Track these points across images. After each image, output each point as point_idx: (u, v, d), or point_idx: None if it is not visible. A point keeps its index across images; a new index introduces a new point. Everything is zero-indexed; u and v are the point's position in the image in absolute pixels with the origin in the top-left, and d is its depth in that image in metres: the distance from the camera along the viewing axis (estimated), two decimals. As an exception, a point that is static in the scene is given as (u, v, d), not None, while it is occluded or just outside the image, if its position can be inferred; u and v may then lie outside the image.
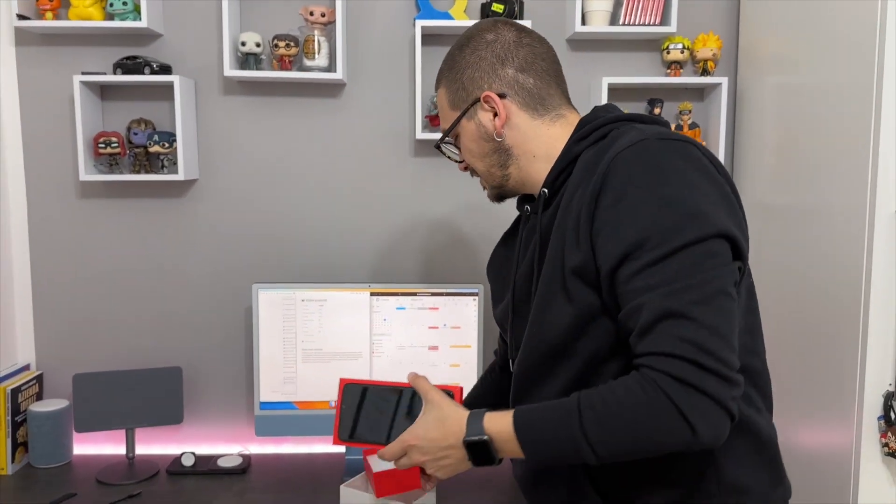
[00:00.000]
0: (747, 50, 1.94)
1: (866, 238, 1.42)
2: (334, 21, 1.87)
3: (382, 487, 1.60)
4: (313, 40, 1.87)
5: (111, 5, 1.83)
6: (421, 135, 1.91)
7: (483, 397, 1.37)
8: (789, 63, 1.72)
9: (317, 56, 1.88)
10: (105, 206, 1.98)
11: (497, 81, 1.07)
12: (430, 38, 1.94)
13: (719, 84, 1.93)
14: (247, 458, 1.95)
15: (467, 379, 1.87)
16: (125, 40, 1.92)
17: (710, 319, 0.83)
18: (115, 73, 1.86)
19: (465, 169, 1.17)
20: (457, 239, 2.04)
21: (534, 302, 1.02)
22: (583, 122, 1.07)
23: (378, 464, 1.65)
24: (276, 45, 1.86)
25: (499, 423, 0.96)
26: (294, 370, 1.88)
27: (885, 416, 1.43)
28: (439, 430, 1.02)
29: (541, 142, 1.07)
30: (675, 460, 0.93)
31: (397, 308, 1.89)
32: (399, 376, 1.97)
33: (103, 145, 1.86)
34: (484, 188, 1.17)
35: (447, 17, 1.92)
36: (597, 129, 1.03)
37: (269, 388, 1.89)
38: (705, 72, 1.95)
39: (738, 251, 0.90)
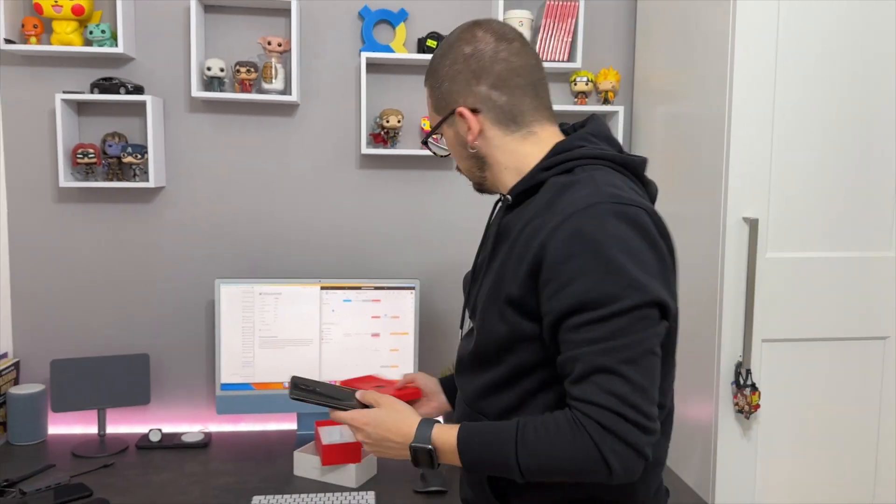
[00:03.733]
0: (641, 83, 2.31)
1: (720, 238, 1.78)
2: (289, 50, 2.15)
3: (328, 457, 1.88)
4: (271, 66, 2.15)
5: (91, 32, 2.07)
6: (365, 150, 2.20)
7: None
8: (672, 95, 2.09)
9: (274, 80, 2.15)
10: (81, 210, 2.20)
11: (471, 97, 1.12)
12: (373, 66, 2.24)
13: (617, 111, 2.28)
14: (208, 435, 2.19)
15: (405, 361, 2.17)
16: (101, 63, 2.16)
17: (636, 377, 0.94)
18: (92, 91, 2.09)
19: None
20: (396, 239, 2.33)
21: (480, 296, 1.14)
22: (555, 151, 1.11)
23: (327, 436, 1.93)
24: (238, 70, 2.13)
25: (444, 437, 1.07)
26: (252, 355, 2.14)
27: (736, 382, 1.78)
28: (391, 425, 1.13)
29: (511, 156, 1.13)
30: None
31: (344, 300, 2.16)
32: (347, 361, 2.27)
33: (81, 155, 2.09)
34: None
35: (388, 49, 2.22)
36: (564, 162, 1.09)
37: (230, 371, 2.14)
38: (606, 101, 2.30)
39: (666, 313, 1.00)
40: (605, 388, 0.94)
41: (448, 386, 1.42)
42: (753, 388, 1.75)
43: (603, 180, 1.03)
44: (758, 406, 1.76)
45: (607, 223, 0.97)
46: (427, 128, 2.21)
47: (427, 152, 2.21)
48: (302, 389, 1.23)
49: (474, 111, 1.12)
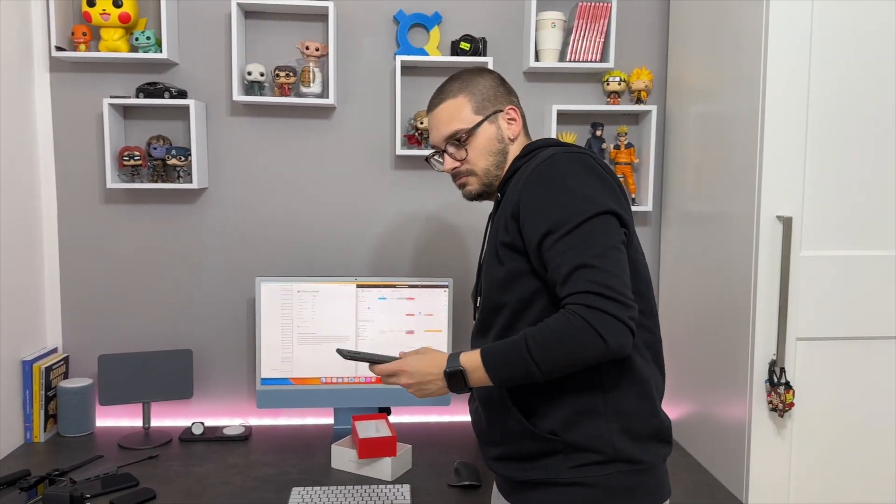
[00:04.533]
0: (674, 82, 2.31)
1: (754, 237, 1.79)
2: (327, 54, 2.21)
3: (365, 451, 1.93)
4: (309, 70, 2.20)
5: (136, 39, 2.15)
6: (400, 151, 2.24)
7: None
8: (705, 94, 2.09)
9: (312, 84, 2.21)
10: (127, 210, 2.28)
11: (511, 103, 1.46)
12: (408, 69, 2.29)
13: (650, 111, 2.29)
14: (249, 428, 2.25)
15: (438, 358, 2.21)
16: (146, 68, 2.24)
17: (607, 266, 1.18)
18: (137, 96, 2.17)
19: (453, 171, 1.45)
20: (430, 238, 2.37)
21: (483, 269, 1.40)
22: (527, 148, 1.41)
23: (363, 430, 1.98)
24: (277, 75, 2.19)
25: (470, 359, 1.27)
26: (291, 351, 2.20)
27: (770, 380, 1.79)
28: (425, 363, 1.32)
29: (513, 155, 1.43)
30: (571, 389, 1.27)
31: (379, 298, 2.21)
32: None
33: (127, 158, 2.17)
34: (462, 187, 1.47)
35: (423, 52, 2.26)
36: (528, 152, 1.40)
37: (269, 366, 2.20)
38: (639, 100, 2.31)
39: (623, 222, 1.25)
40: (584, 278, 1.17)
41: None
42: (787, 386, 1.76)
43: (556, 149, 1.32)
44: (792, 404, 1.76)
45: (560, 165, 1.26)
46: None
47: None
48: (350, 351, 1.43)
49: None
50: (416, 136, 2.27)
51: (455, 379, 1.28)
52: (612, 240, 1.21)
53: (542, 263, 1.26)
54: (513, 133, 1.43)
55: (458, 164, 1.43)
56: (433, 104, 1.46)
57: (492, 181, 1.44)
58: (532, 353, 1.19)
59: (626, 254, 1.23)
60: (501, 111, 1.43)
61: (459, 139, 1.41)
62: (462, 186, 1.47)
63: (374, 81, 2.31)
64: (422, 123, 2.24)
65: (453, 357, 1.30)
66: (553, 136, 2.25)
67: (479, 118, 1.41)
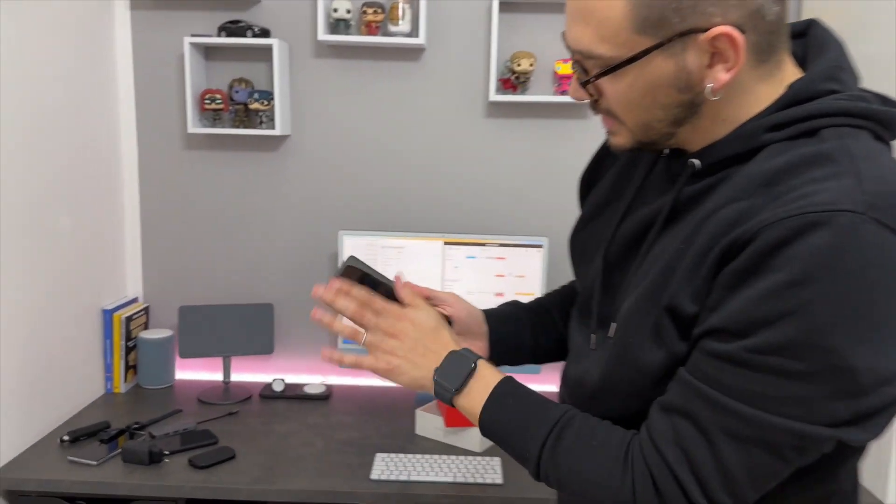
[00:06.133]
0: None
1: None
2: (418, -10, 2.03)
3: (452, 419, 1.80)
4: (398, 7, 2.03)
5: (218, -26, 2.02)
6: (494, 97, 2.06)
7: (513, 321, 1.09)
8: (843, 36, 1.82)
9: (401, 22, 2.04)
10: (208, 157, 2.19)
11: (735, 10, 0.69)
12: (506, 5, 2.08)
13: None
14: (329, 388, 2.16)
15: (531, 322, 2.05)
16: (228, 4, 2.11)
17: (730, 458, 0.69)
18: (219, 35, 2.05)
19: (581, 100, 0.82)
20: (524, 194, 2.20)
21: (625, 309, 0.80)
22: (791, 98, 0.74)
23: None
24: (365, 11, 2.03)
25: (486, 375, 0.86)
26: (373, 309, 2.08)
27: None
28: (438, 330, 0.91)
29: (741, 102, 0.74)
30: None
31: (468, 257, 2.06)
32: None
33: (209, 101, 2.07)
34: (610, 133, 0.83)
35: (522, -13, 2.06)
36: (807, 119, 0.72)
37: (352, 324, 2.08)
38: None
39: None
40: (684, 445, 0.71)
41: (495, 328, 1.06)
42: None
43: (868, 167, 0.67)
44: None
45: (858, 256, 0.63)
46: (563, 70, 2.05)
47: (561, 98, 2.04)
48: (350, 267, 0.93)
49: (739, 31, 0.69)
50: (511, 81, 2.08)
51: (454, 367, 0.87)
52: (793, 434, 0.67)
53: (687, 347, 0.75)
54: (723, 78, 0.71)
55: (585, 95, 0.80)
56: None
57: (657, 139, 0.79)
58: (544, 455, 0.80)
59: (791, 465, 0.71)
60: (699, 32, 0.69)
61: (586, 69, 0.77)
62: (608, 132, 0.83)
63: (467, 19, 2.12)
64: (519, 66, 2.05)
65: (472, 352, 0.88)
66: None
67: (642, 41, 0.71)
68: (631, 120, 0.78)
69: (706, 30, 0.69)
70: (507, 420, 0.83)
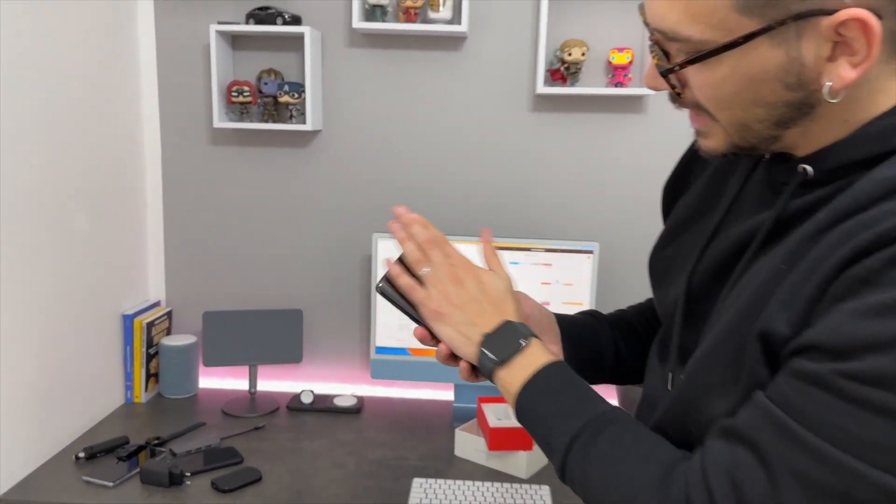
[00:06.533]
0: None
1: None
2: (461, -27, 1.88)
3: (495, 441, 1.65)
4: (439, -8, 1.88)
5: (247, -44, 1.88)
6: (541, 89, 1.90)
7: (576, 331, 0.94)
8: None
9: (441, 8, 1.89)
10: (235, 153, 2.05)
11: None
12: (555, -9, 1.92)
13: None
14: (361, 400, 2.02)
15: (580, 334, 1.89)
16: (257, -9, 1.98)
17: (793, 499, 0.56)
18: (247, 22, 1.91)
19: (678, 103, 0.67)
20: (573, 195, 2.03)
21: (700, 350, 0.66)
22: None
23: (494, 418, 1.70)
24: (403, -3, 1.89)
25: (536, 353, 0.75)
26: (409, 318, 1.94)
27: None
28: (504, 297, 0.80)
29: (868, 102, 0.61)
30: None
31: (511, 263, 1.90)
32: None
33: (236, 93, 1.93)
34: (700, 134, 0.69)
35: (575, -31, 1.89)
36: None
37: (385, 333, 1.95)
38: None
39: None
40: (741, 478, 0.58)
41: (569, 333, 0.92)
42: None
43: None
44: None
45: None
46: (619, 60, 1.88)
47: (615, 91, 1.88)
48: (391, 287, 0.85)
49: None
50: (561, 72, 1.92)
51: (504, 339, 0.76)
52: (872, 481, 0.53)
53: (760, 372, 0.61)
54: (847, 76, 0.58)
55: (664, 86, 0.66)
56: None
57: (756, 144, 0.65)
58: (570, 457, 0.69)
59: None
60: (822, 15, 0.56)
61: (668, 53, 0.63)
62: (697, 132, 0.69)
63: (513, 4, 1.96)
64: (569, 55, 1.88)
65: (523, 330, 0.77)
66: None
67: (746, 23, 0.57)
68: (725, 119, 0.64)
69: (832, 13, 0.55)
70: (544, 402, 0.73)
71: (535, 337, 0.77)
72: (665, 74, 0.64)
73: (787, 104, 0.61)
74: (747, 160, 0.76)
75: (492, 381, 0.78)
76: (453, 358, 0.82)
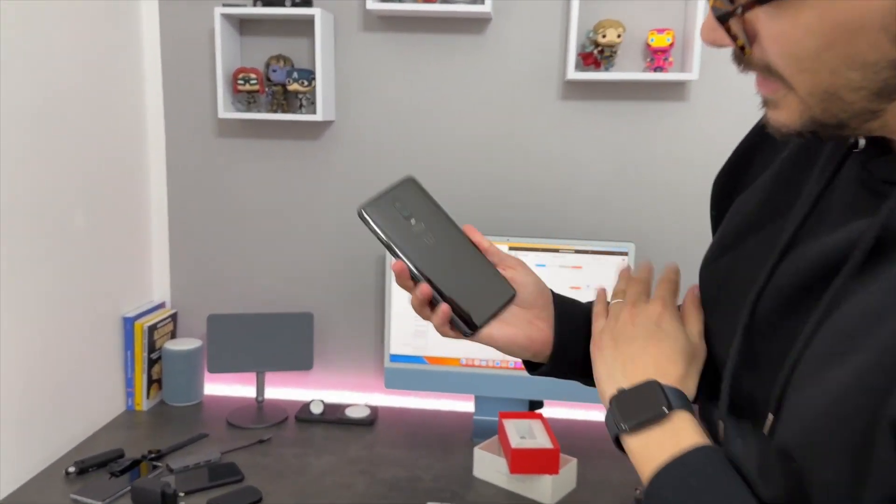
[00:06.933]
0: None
1: None
2: (484, -52, 1.72)
3: (518, 464, 1.50)
4: (461, -30, 1.73)
5: (253, -67, 1.75)
6: (572, 75, 1.73)
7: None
8: None
9: (464, -13, 1.73)
10: (241, 146, 1.93)
11: None
12: (588, -33, 1.75)
13: None
14: (374, 410, 1.89)
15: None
16: (265, -29, 1.84)
17: None
18: (255, 5, 1.78)
19: (743, 63, 0.51)
20: (606, 191, 1.86)
21: (808, 414, 0.49)
22: None
23: (516, 437, 1.54)
24: (422, -24, 1.73)
25: (679, 429, 0.59)
26: (425, 324, 1.79)
27: None
28: (674, 348, 0.65)
29: None
30: None
31: (537, 265, 1.75)
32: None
33: (242, 82, 1.80)
34: (769, 104, 0.52)
35: (610, -57, 1.72)
36: None
37: (400, 340, 1.81)
38: None
39: None
40: None
41: (563, 311, 0.77)
42: None
43: None
44: None
45: None
46: (658, 43, 1.70)
47: (654, 76, 1.70)
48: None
49: None
50: (594, 56, 1.75)
51: (645, 398, 0.61)
52: None
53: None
54: None
55: (725, 39, 0.50)
56: None
57: (847, 121, 0.49)
58: None
59: None
60: None
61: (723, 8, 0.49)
62: (765, 101, 0.53)
63: (542, -16, 1.80)
64: (604, 37, 1.71)
65: (670, 396, 0.61)
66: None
67: None
68: (805, 84, 0.48)
69: None
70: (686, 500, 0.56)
71: (685, 407, 0.61)
72: (725, 21, 0.48)
73: (891, 65, 0.45)
74: (833, 148, 0.58)
75: (618, 445, 0.63)
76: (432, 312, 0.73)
